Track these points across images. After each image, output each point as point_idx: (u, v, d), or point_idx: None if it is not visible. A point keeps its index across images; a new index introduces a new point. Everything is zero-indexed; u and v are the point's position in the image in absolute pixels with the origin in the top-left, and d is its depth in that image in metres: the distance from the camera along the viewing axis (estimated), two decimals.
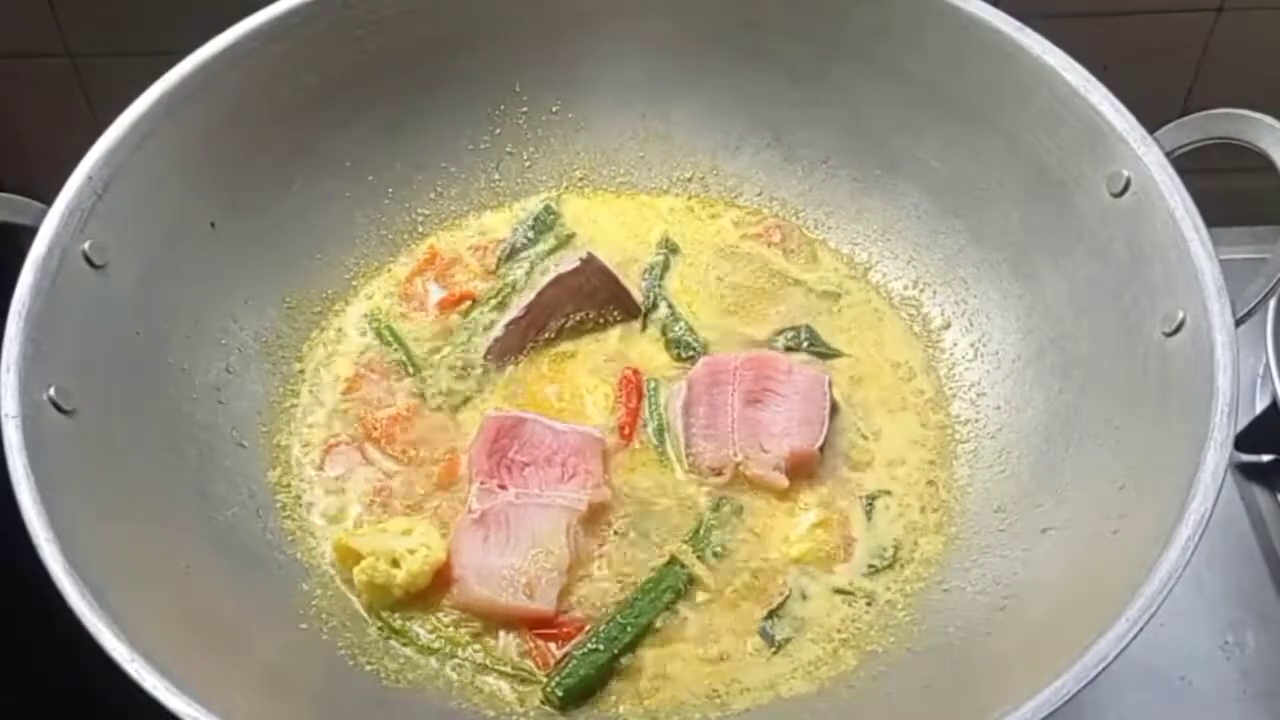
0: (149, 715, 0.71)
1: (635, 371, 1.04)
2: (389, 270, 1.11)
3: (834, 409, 1.01)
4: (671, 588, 0.93)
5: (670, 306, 1.09)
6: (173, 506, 0.90)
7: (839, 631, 0.93)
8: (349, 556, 0.91)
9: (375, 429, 1.01)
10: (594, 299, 1.07)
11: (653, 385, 1.04)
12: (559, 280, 1.06)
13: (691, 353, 1.05)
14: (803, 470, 0.99)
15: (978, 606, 0.89)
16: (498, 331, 1.05)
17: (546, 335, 1.06)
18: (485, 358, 1.04)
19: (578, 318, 1.07)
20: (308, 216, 1.07)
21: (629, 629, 0.90)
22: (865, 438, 1.02)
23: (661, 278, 1.11)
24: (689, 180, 1.17)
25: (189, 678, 0.71)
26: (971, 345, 1.06)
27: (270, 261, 1.04)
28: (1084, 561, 0.84)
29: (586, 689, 0.88)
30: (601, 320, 1.07)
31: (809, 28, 1.07)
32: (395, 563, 0.90)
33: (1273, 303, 1.11)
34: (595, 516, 0.96)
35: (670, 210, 1.16)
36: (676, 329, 1.07)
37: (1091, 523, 0.86)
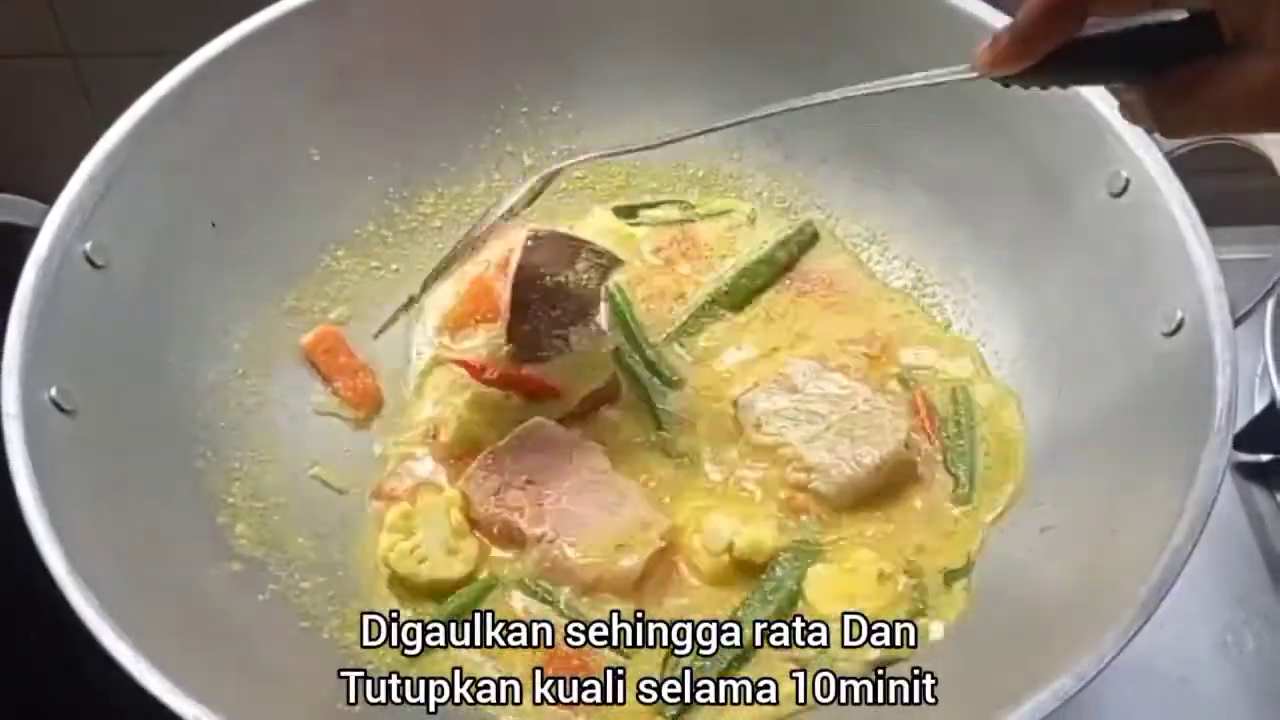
0: (149, 715, 0.71)
1: None
2: None
3: None
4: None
5: None
6: (173, 506, 0.90)
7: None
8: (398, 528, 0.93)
9: None
10: (563, 259, 0.99)
11: None
12: (523, 267, 0.97)
13: None
14: None
15: (977, 605, 0.89)
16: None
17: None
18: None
19: (559, 279, 0.99)
20: (308, 216, 1.07)
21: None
22: None
23: None
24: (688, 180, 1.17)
25: (190, 678, 0.71)
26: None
27: (271, 262, 1.04)
28: (1083, 561, 0.84)
29: None
30: (584, 276, 1.00)
31: (809, 27, 1.07)
32: (422, 561, 0.91)
33: (1271, 302, 1.11)
34: None
35: None
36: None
37: (1091, 522, 0.86)
